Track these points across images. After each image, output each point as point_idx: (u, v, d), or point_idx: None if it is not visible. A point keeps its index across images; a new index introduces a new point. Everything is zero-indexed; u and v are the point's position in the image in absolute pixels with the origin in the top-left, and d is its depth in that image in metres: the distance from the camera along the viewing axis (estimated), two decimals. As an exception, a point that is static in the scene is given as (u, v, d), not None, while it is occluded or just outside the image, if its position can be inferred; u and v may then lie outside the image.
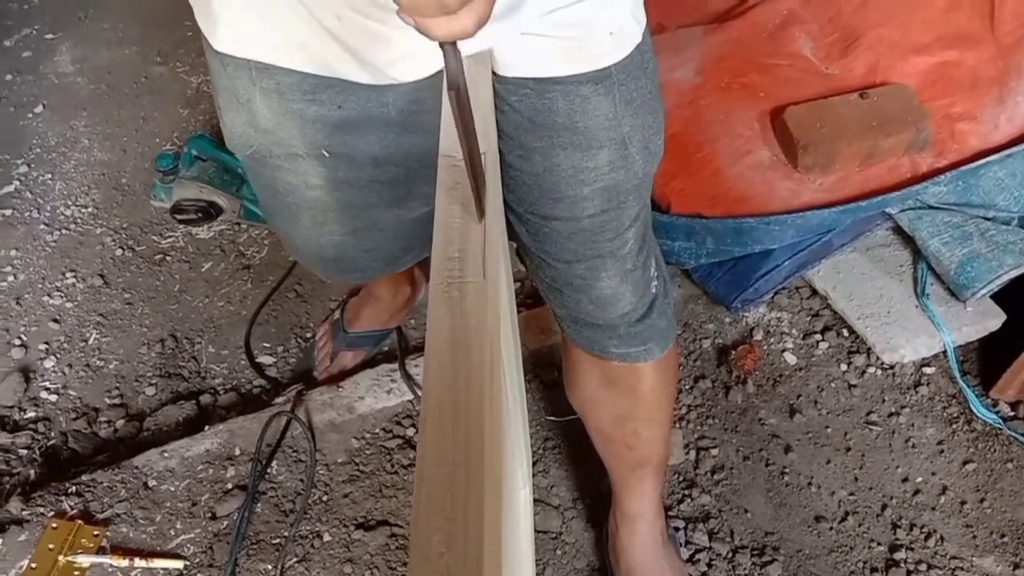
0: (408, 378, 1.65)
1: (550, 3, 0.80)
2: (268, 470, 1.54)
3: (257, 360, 1.79)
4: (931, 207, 1.64)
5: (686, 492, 1.56)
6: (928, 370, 1.70)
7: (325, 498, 1.53)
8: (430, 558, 0.44)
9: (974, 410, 1.65)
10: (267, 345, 1.82)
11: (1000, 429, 1.63)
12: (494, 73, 0.85)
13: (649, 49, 0.92)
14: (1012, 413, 1.66)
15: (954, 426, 1.64)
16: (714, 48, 1.81)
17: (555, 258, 1.01)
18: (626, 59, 0.87)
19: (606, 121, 0.88)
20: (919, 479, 1.57)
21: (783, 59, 1.77)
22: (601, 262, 1.00)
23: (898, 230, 1.72)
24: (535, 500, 1.53)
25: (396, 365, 1.68)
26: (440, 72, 0.60)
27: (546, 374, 1.68)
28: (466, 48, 0.68)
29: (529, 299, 1.83)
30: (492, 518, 0.46)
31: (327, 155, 0.94)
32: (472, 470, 0.45)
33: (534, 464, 1.58)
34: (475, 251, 0.57)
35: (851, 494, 1.55)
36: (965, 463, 1.59)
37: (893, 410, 1.65)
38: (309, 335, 1.82)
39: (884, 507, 1.54)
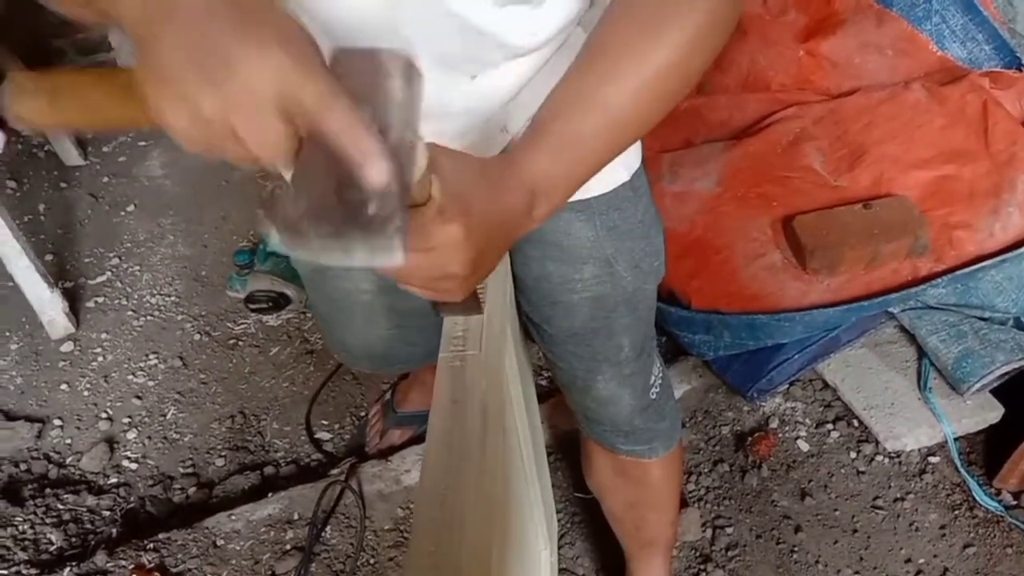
0: (450, 455, 1.82)
1: None
2: (323, 534, 1.72)
3: (316, 436, 1.98)
4: (931, 307, 1.79)
5: (702, 567, 1.69)
6: (933, 459, 1.82)
7: (372, 561, 1.69)
8: (422, 556, 0.61)
9: (976, 498, 1.76)
10: (325, 422, 2.01)
11: (1002, 516, 1.74)
12: None
13: (642, 186, 1.05)
14: (1015, 502, 1.77)
15: (956, 512, 1.75)
16: (733, 161, 2.00)
17: (559, 358, 1.16)
18: (608, 194, 1.00)
19: (588, 242, 1.02)
20: (921, 560, 1.68)
21: (795, 172, 1.95)
22: (597, 365, 1.14)
23: (904, 328, 1.86)
24: (561, 569, 1.67)
25: (440, 443, 1.86)
26: None
27: (576, 454, 1.83)
28: None
29: (563, 386, 2.00)
30: (475, 529, 0.63)
31: None
32: (460, 491, 0.63)
33: (562, 536, 1.73)
34: (475, 331, 0.76)
35: (856, 573, 1.67)
36: (966, 547, 1.70)
37: (899, 496, 1.77)
38: (363, 414, 2.01)
39: (888, 586, 1.65)
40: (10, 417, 2.02)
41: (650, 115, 0.73)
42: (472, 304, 0.78)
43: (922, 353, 1.85)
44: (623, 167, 1.01)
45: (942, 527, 1.73)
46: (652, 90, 0.71)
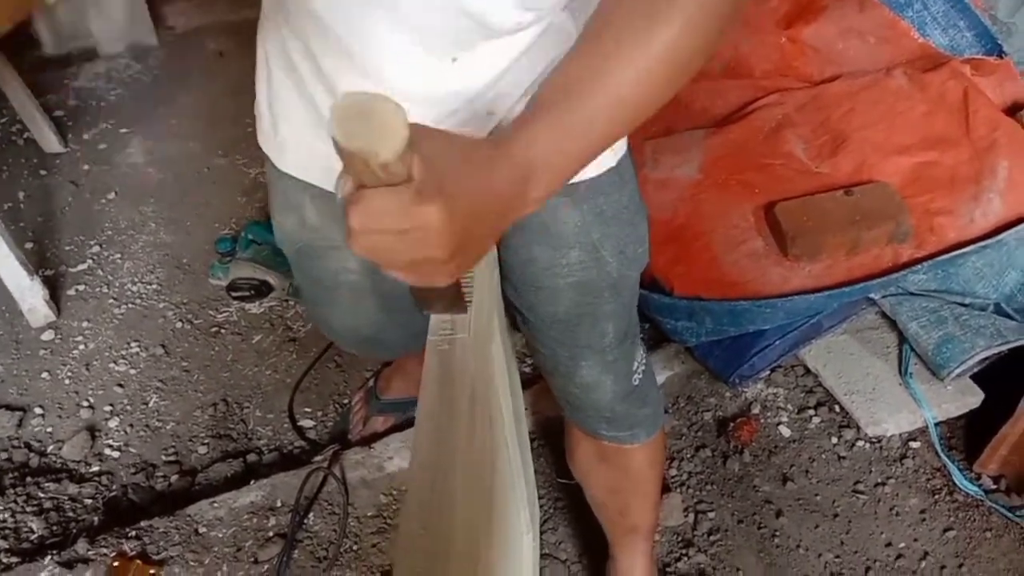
0: (433, 441, 1.82)
1: None
2: (305, 521, 1.71)
3: (299, 423, 1.98)
4: (911, 293, 1.80)
5: (683, 551, 1.70)
6: (914, 444, 1.83)
7: (355, 547, 1.69)
8: (412, 537, 0.61)
9: (956, 482, 1.78)
10: (308, 410, 2.01)
11: (981, 501, 1.75)
12: None
13: (628, 171, 1.05)
14: (994, 486, 1.79)
15: (937, 496, 1.76)
16: (714, 148, 2.01)
17: (542, 344, 1.16)
18: (595, 178, 0.99)
19: (574, 227, 1.01)
20: (902, 544, 1.70)
21: (777, 159, 1.95)
22: (580, 351, 1.14)
23: (885, 314, 1.87)
24: (544, 554, 1.68)
25: (423, 429, 1.86)
26: None
27: (559, 440, 1.83)
28: None
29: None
30: (464, 513, 0.63)
31: None
32: (449, 473, 0.63)
33: (545, 521, 1.73)
34: (463, 315, 0.76)
35: (837, 557, 1.68)
36: (946, 531, 1.71)
37: (879, 480, 1.78)
38: (346, 401, 2.01)
39: (868, 570, 1.66)
40: (-10, 406, 2.01)
41: (654, 96, 0.72)
42: (457, 302, 0.77)
43: (903, 339, 1.86)
44: (609, 152, 1.01)
45: (922, 511, 1.74)
46: (656, 70, 0.70)
